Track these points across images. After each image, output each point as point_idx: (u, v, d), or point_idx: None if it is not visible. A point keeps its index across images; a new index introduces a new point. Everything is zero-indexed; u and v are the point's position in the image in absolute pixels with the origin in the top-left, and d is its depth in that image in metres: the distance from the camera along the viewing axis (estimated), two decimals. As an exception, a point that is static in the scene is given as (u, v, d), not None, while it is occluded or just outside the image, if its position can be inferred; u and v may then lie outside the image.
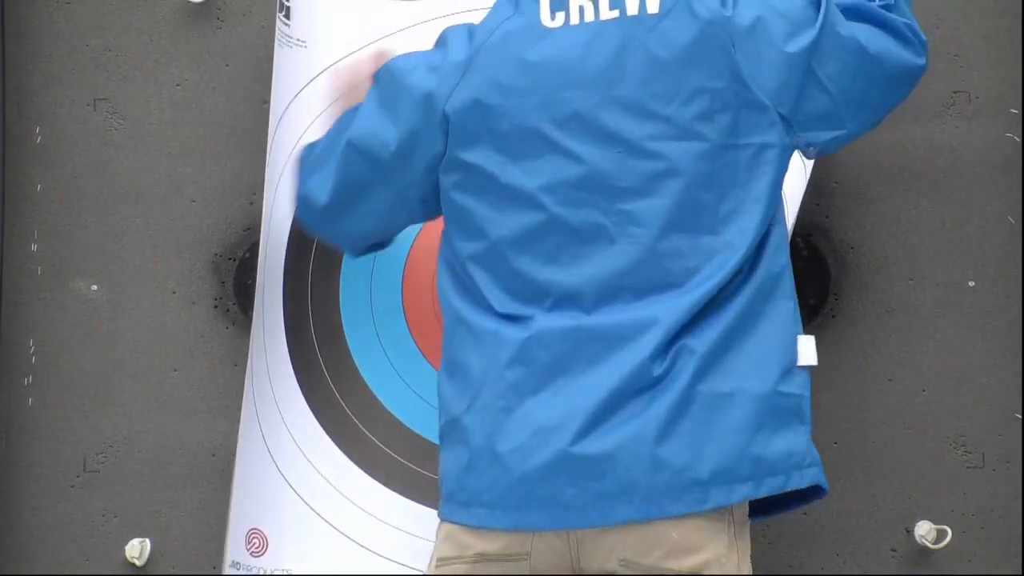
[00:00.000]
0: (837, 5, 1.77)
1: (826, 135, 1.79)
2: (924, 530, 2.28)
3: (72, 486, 2.33)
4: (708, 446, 1.67)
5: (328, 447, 2.18)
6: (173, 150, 2.38)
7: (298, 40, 2.20)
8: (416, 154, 1.80)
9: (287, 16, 2.21)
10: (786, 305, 1.75)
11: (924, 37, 1.83)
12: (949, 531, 2.28)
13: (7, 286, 2.35)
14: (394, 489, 2.17)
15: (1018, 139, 2.35)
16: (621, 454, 1.66)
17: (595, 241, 1.72)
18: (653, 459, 1.65)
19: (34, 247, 2.36)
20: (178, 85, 2.39)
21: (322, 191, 1.87)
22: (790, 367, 1.73)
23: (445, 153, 1.78)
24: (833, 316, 2.32)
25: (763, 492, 1.69)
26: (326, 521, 2.15)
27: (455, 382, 1.78)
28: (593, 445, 1.66)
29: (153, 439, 2.32)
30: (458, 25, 1.83)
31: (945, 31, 2.35)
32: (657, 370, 1.67)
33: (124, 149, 2.38)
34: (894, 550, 2.31)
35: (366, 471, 2.18)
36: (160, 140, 2.38)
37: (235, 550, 2.15)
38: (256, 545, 2.14)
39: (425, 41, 2.16)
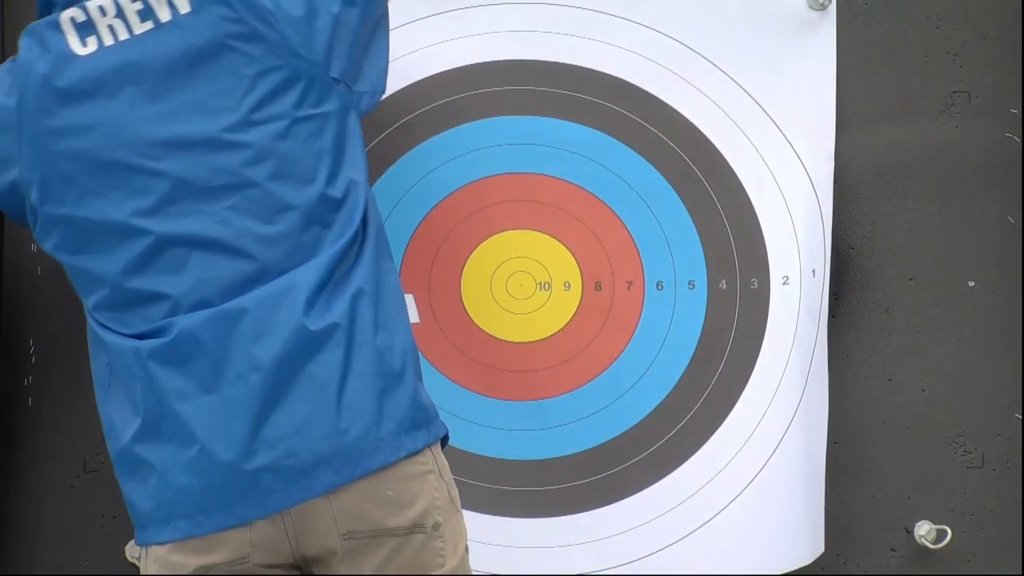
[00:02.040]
0: None
1: (359, 88, 1.86)
2: (924, 530, 2.28)
3: (72, 486, 2.33)
4: (387, 396, 1.72)
5: None
6: (173, 150, 2.38)
7: None
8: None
9: None
10: (392, 264, 1.85)
11: None
12: (949, 531, 2.28)
13: (7, 286, 2.35)
14: None
15: (1018, 139, 2.35)
16: (306, 427, 1.68)
17: (212, 244, 1.73)
18: (336, 424, 1.69)
19: (34, 247, 2.36)
20: (178, 85, 2.39)
21: None
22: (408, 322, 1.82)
23: (36, 215, 1.78)
24: (833, 316, 2.32)
25: (432, 438, 1.77)
26: None
27: (120, 412, 1.76)
28: (277, 426, 1.69)
29: (153, 439, 2.32)
30: None
31: (945, 31, 2.35)
32: (315, 326, 1.70)
33: (124, 149, 2.39)
34: (894, 550, 2.31)
35: None
36: (160, 140, 2.38)
37: None
38: None
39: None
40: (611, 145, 2.32)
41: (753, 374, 2.28)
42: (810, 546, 2.25)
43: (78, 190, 1.74)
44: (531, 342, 2.31)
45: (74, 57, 1.74)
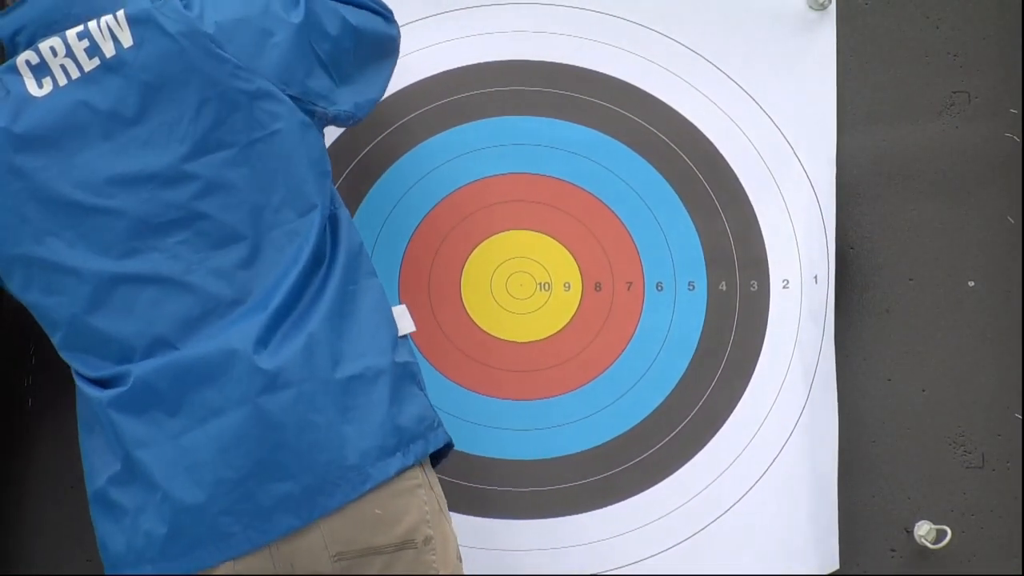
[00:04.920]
0: None
1: (335, 109, 1.84)
2: (924, 530, 2.28)
3: (72, 487, 2.32)
4: (351, 429, 1.71)
5: None
6: (173, 150, 2.38)
7: None
8: None
9: None
10: (373, 282, 1.82)
11: (388, 7, 1.97)
12: (949, 531, 2.28)
13: (7, 286, 2.35)
14: None
15: (1018, 139, 2.35)
16: (262, 469, 1.68)
17: (162, 281, 1.73)
18: (294, 464, 1.68)
19: (34, 247, 2.36)
20: (178, 85, 2.39)
21: None
22: (395, 338, 1.79)
23: None
24: (833, 316, 2.31)
25: (411, 460, 1.75)
26: None
27: (99, 454, 1.79)
28: (235, 469, 1.68)
29: (153, 439, 2.32)
30: None
31: (945, 31, 2.35)
32: (267, 365, 1.69)
33: (124, 149, 2.38)
34: (894, 550, 2.31)
35: None
36: (160, 140, 2.38)
37: None
38: None
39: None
40: (611, 145, 2.31)
41: (753, 377, 2.28)
42: (819, 558, 2.25)
43: (32, 229, 1.74)
44: (531, 342, 2.31)
45: (31, 100, 1.74)
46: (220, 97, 1.73)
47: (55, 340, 1.81)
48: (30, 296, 1.80)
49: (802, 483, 2.25)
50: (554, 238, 2.31)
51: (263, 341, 1.71)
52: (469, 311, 2.29)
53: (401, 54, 2.22)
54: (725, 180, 2.31)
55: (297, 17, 1.79)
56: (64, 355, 1.81)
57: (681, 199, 2.31)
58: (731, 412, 2.28)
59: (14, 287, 1.81)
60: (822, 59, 2.31)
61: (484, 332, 2.30)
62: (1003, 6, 2.36)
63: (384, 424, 1.73)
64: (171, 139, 1.72)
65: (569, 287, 2.31)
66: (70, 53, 1.73)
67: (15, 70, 1.75)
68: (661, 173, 2.31)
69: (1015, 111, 2.35)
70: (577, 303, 2.31)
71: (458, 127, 2.32)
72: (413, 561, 1.74)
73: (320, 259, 1.77)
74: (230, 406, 1.69)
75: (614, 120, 2.30)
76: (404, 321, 1.84)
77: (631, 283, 2.31)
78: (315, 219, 1.77)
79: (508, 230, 2.30)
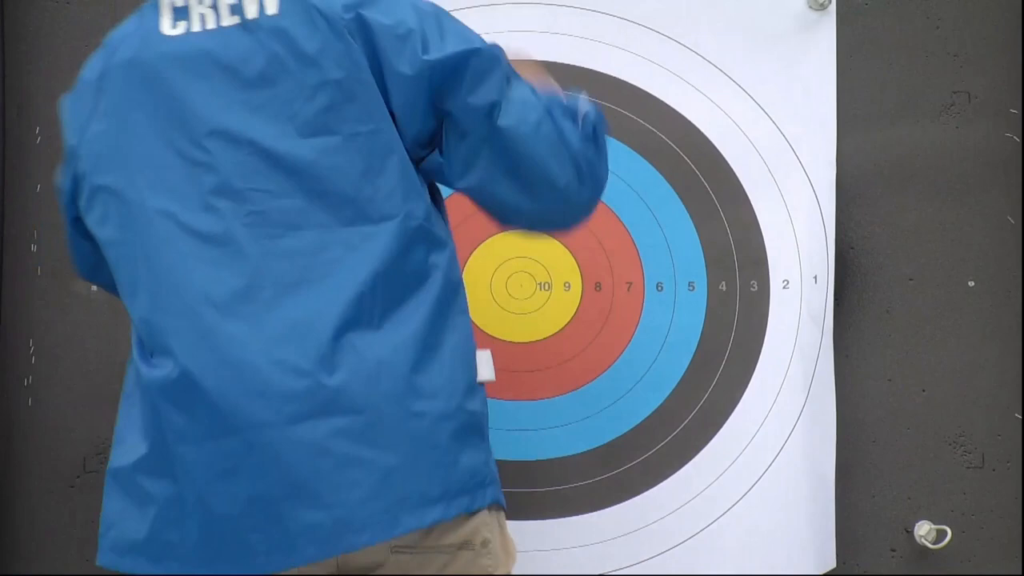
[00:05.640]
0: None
1: (428, 165, 1.77)
2: (924, 530, 2.28)
3: (72, 486, 2.33)
4: (397, 469, 1.62)
5: None
6: (173, 150, 2.38)
7: None
8: None
9: None
10: (464, 319, 1.74)
11: (600, 181, 1.81)
12: (949, 531, 2.28)
13: (7, 286, 2.35)
14: None
15: (1018, 139, 2.35)
16: (297, 493, 1.61)
17: (231, 244, 1.68)
18: (329, 495, 1.61)
19: (34, 247, 2.36)
20: (178, 85, 2.39)
21: None
22: (471, 383, 1.71)
23: (81, 186, 1.76)
24: (833, 316, 2.31)
25: (452, 513, 1.66)
26: None
27: (132, 431, 1.72)
28: (270, 486, 1.62)
29: (153, 439, 2.32)
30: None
31: (945, 31, 2.35)
32: (329, 381, 1.61)
33: (124, 149, 2.38)
34: (894, 550, 2.31)
35: None
36: (160, 140, 2.38)
37: None
38: None
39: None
40: (611, 145, 2.31)
41: (753, 378, 2.28)
42: (817, 557, 2.25)
43: (124, 163, 1.71)
44: (531, 342, 2.31)
45: (161, 37, 1.73)
46: (339, 84, 1.69)
47: (122, 290, 1.75)
48: (104, 232, 1.75)
49: (801, 483, 2.25)
50: (554, 238, 2.31)
51: (327, 347, 1.62)
52: (469, 311, 2.29)
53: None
54: (725, 180, 2.31)
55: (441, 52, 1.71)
56: (126, 301, 1.75)
57: (681, 199, 2.31)
58: (731, 412, 2.28)
59: (91, 220, 1.77)
60: (822, 59, 2.31)
61: (484, 332, 2.30)
62: (1003, 6, 2.36)
63: (432, 472, 1.64)
64: (281, 113, 1.69)
65: (569, 287, 2.31)
66: (215, 5, 1.72)
67: (157, 7, 1.75)
68: (661, 173, 2.31)
69: (1015, 111, 2.35)
70: (577, 303, 2.31)
71: (458, 127, 2.32)
72: (470, 563, 1.69)
73: (403, 278, 1.69)
74: (275, 422, 1.61)
75: (614, 120, 2.30)
76: (485, 368, 1.75)
77: (631, 283, 2.31)
78: (390, 229, 1.68)
79: (508, 230, 2.30)
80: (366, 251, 1.67)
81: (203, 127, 1.70)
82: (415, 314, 1.68)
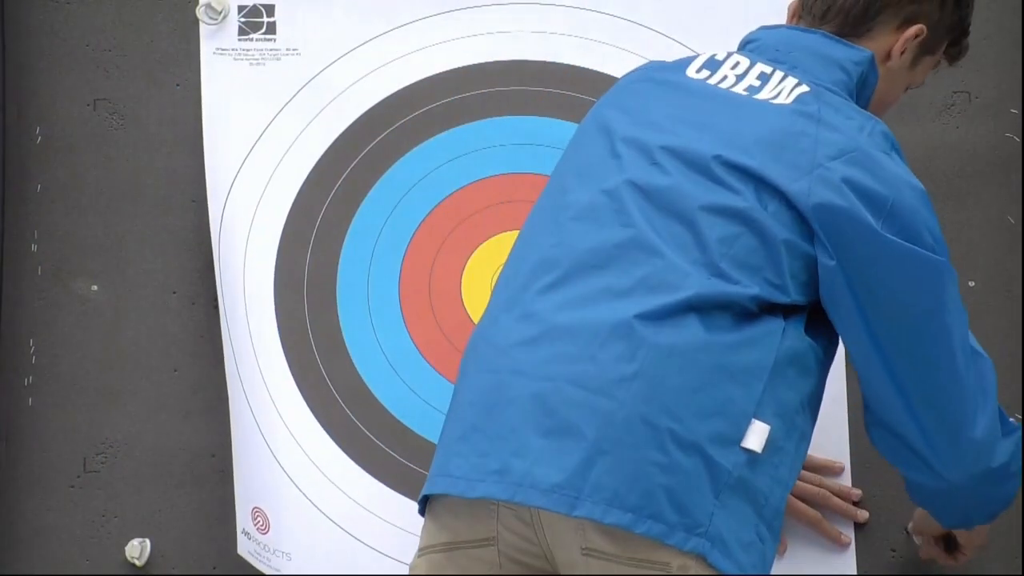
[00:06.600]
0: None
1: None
2: (924, 530, 2.28)
3: (72, 486, 2.33)
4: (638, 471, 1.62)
5: (322, 439, 2.22)
6: (173, 150, 2.38)
7: (288, 50, 2.27)
8: None
9: (271, 32, 2.28)
10: (806, 386, 1.76)
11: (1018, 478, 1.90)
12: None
13: (7, 286, 2.35)
14: (386, 483, 2.20)
15: (1018, 139, 2.35)
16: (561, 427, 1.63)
17: (643, 246, 1.71)
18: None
19: (34, 247, 2.36)
20: (178, 85, 2.39)
21: None
22: (731, 438, 1.65)
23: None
24: (833, 316, 2.31)
25: (670, 541, 1.61)
26: (321, 512, 2.19)
27: None
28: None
29: (153, 439, 2.32)
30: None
31: (945, 31, 2.35)
32: (627, 369, 1.64)
33: (124, 149, 2.38)
34: (894, 550, 2.31)
35: (359, 463, 2.20)
36: (160, 140, 2.38)
37: (244, 520, 2.19)
38: (260, 523, 2.17)
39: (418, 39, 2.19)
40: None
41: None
42: (838, 560, 2.23)
43: (582, 172, 1.80)
44: (531, 342, 2.30)
45: (683, 75, 1.85)
46: (778, 191, 1.72)
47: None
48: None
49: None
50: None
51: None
52: (470, 312, 2.29)
53: (401, 54, 2.23)
54: (725, 180, 2.31)
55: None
56: None
57: (681, 199, 2.31)
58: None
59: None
60: (822, 59, 2.31)
61: (484, 332, 2.30)
62: (1003, 6, 2.36)
63: (651, 484, 1.61)
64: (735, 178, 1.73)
65: (569, 287, 2.31)
66: (742, 76, 1.83)
67: (712, 57, 1.87)
68: (661, 173, 2.31)
69: (1015, 111, 2.35)
70: (577, 303, 2.31)
71: (458, 127, 2.32)
72: None
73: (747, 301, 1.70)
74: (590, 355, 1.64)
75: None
76: (753, 438, 1.66)
77: (631, 283, 2.30)
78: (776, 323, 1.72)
79: (508, 231, 2.30)
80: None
81: (658, 139, 1.79)
82: (747, 331, 1.72)
